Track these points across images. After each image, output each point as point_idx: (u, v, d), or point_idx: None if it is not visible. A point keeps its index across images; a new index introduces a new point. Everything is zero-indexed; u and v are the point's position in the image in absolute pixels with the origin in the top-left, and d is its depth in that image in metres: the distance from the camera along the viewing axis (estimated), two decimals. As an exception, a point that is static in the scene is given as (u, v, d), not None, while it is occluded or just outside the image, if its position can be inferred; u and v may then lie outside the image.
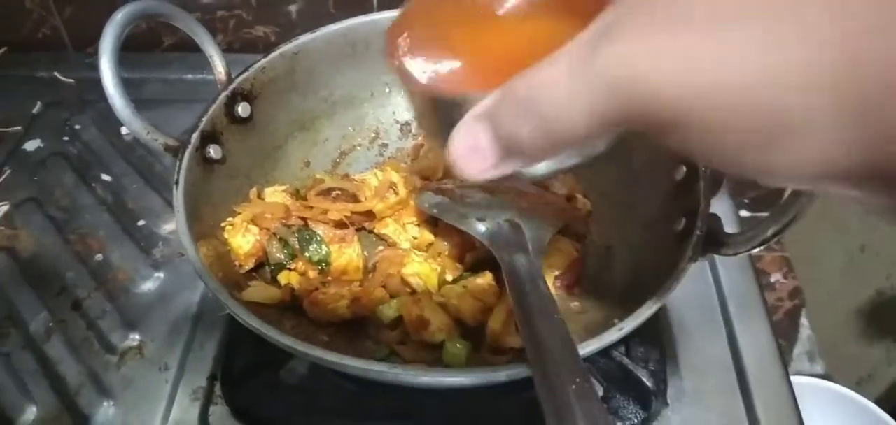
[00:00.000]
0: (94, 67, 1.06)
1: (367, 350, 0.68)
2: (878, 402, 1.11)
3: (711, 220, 0.62)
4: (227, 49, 1.08)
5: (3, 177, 0.91)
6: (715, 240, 0.61)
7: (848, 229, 1.23)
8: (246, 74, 0.75)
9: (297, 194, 0.77)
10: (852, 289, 1.22)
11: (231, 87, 0.74)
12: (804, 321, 1.27)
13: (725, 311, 0.79)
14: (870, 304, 1.20)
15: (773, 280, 1.27)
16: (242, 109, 0.75)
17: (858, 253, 1.23)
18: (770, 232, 0.56)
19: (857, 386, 1.20)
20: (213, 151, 0.72)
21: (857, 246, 1.23)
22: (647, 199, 0.74)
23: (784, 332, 1.25)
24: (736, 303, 0.79)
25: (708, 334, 0.76)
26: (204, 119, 0.71)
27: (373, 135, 0.88)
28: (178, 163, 0.67)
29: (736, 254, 0.60)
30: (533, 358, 0.52)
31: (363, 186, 0.77)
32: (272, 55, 0.78)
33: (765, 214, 1.28)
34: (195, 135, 0.69)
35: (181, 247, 0.80)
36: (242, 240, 0.69)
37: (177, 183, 0.65)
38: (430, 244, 0.75)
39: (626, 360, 0.69)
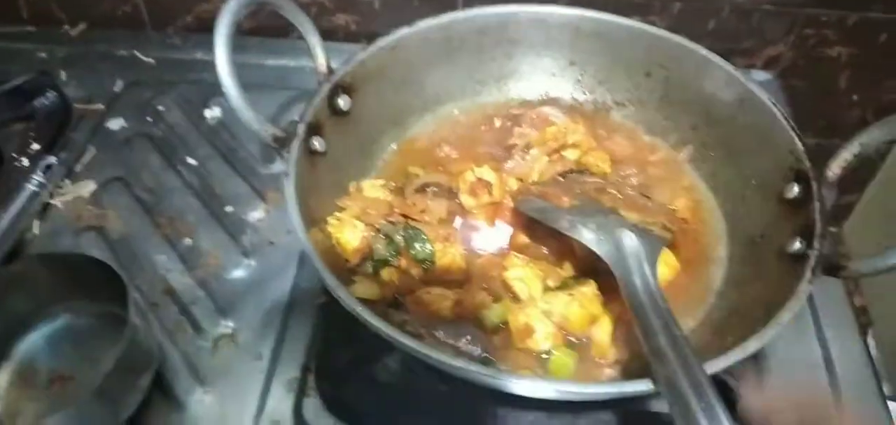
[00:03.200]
0: (175, 47, 1.08)
1: (462, 352, 0.68)
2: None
3: (831, 241, 0.61)
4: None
5: (90, 156, 0.91)
6: (834, 265, 0.60)
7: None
8: (347, 68, 0.75)
9: (397, 189, 0.76)
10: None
11: (333, 80, 0.74)
12: (871, 341, 1.25)
13: (819, 331, 0.77)
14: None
15: None
16: (343, 102, 0.75)
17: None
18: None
19: (924, 408, 1.17)
20: (318, 144, 0.71)
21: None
22: (752, 214, 0.73)
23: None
24: (830, 322, 0.78)
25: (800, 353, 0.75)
26: (309, 111, 0.70)
27: (463, 131, 0.87)
28: (287, 154, 0.67)
29: (858, 278, 0.59)
30: (660, 376, 0.51)
31: (459, 180, 0.76)
32: (372, 48, 0.77)
33: (833, 229, 1.25)
34: (302, 127, 0.69)
35: (271, 235, 0.82)
36: (350, 234, 0.69)
37: (287, 174, 0.65)
38: (527, 246, 0.74)
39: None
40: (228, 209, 0.86)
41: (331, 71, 0.74)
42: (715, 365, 0.53)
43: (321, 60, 0.75)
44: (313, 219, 0.69)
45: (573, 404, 0.69)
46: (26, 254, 0.79)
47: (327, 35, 1.06)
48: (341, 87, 0.75)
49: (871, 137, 0.62)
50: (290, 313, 0.76)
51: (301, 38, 1.05)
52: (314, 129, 0.71)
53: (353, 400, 0.69)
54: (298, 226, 0.62)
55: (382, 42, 0.78)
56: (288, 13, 0.73)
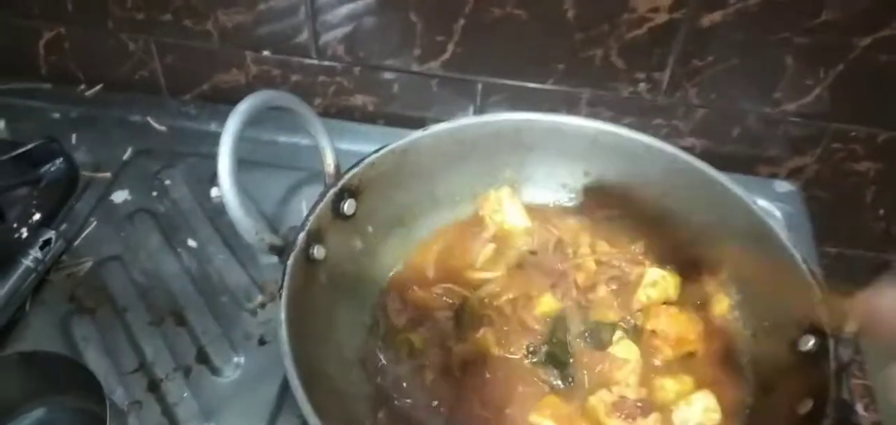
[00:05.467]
0: (189, 116, 1.06)
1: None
2: None
3: (843, 409, 0.58)
4: (322, 113, 1.06)
5: (90, 228, 0.90)
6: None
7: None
8: (355, 170, 0.73)
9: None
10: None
11: (340, 184, 0.71)
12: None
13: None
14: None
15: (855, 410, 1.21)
16: (348, 207, 0.73)
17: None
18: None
19: None
20: (317, 252, 0.69)
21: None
22: (762, 361, 0.70)
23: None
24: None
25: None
26: (310, 218, 0.68)
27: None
28: (282, 268, 0.64)
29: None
30: None
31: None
32: (382, 151, 0.75)
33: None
34: (301, 237, 0.67)
35: (265, 331, 0.80)
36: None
37: (280, 292, 0.63)
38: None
39: None
40: (224, 300, 0.83)
41: (339, 175, 0.72)
42: None
43: (330, 163, 0.73)
44: (306, 331, 0.66)
45: None
46: (3, 355, 0.76)
47: (343, 114, 1.06)
48: (347, 191, 0.73)
49: None
50: (277, 419, 0.73)
51: (319, 113, 1.05)
52: (315, 237, 0.69)
53: None
54: (285, 351, 0.59)
55: (394, 145, 0.76)
56: (301, 116, 0.71)
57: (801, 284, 0.66)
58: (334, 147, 0.73)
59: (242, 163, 0.96)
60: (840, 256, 1.16)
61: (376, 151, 0.74)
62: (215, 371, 0.77)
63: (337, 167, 0.73)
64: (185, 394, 0.75)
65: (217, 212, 0.93)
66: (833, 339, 0.61)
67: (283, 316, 0.61)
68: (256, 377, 0.77)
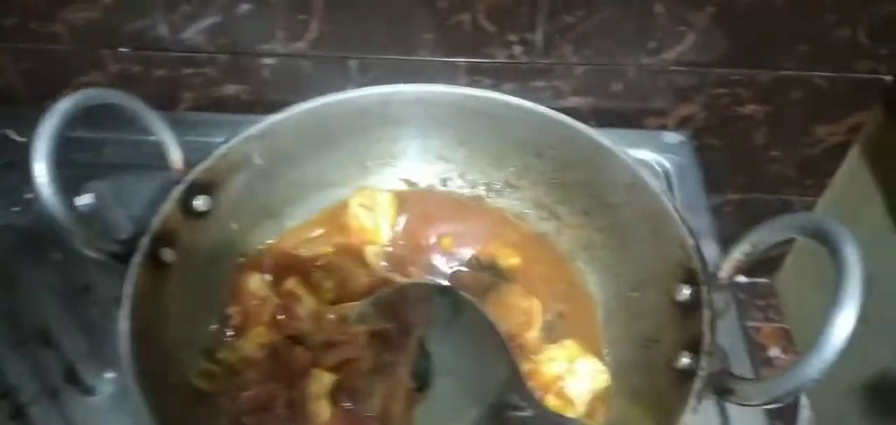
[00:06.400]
0: (52, 126, 1.00)
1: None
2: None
3: (717, 361, 0.56)
4: (193, 108, 1.01)
5: (-55, 252, 0.84)
6: (722, 387, 0.54)
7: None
8: (205, 164, 0.68)
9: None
10: (855, 367, 1.16)
11: (187, 180, 0.67)
12: (804, 400, 1.21)
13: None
14: (873, 382, 1.14)
15: (771, 355, 1.21)
16: (202, 203, 0.69)
17: (860, 325, 1.17)
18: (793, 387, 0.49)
19: (860, 470, 1.14)
20: (166, 255, 0.65)
21: (859, 319, 1.17)
22: (643, 315, 0.68)
23: (783, 414, 1.19)
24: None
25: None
26: (154, 220, 0.64)
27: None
28: (124, 276, 0.60)
29: (748, 406, 0.53)
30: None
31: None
32: (235, 140, 0.71)
33: (764, 280, 1.22)
34: (145, 241, 0.62)
35: None
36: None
37: (122, 301, 0.58)
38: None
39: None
40: (93, 313, 0.78)
41: (188, 170, 0.68)
42: None
43: (176, 158, 0.68)
44: (163, 345, 0.62)
45: None
46: None
47: (216, 106, 1.01)
48: (198, 187, 0.68)
49: (760, 237, 0.57)
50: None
51: (188, 109, 1.00)
52: (163, 239, 0.64)
53: None
54: (127, 363, 0.55)
55: (248, 132, 0.71)
56: (134, 113, 0.66)
57: (674, 233, 0.64)
58: (178, 140, 0.68)
59: (112, 168, 0.94)
60: (741, 203, 1.16)
61: (226, 141, 0.70)
62: (87, 390, 0.73)
63: (185, 162, 0.68)
64: (55, 414, 0.70)
65: (85, 222, 0.88)
66: (706, 287, 0.59)
67: (123, 327, 0.57)
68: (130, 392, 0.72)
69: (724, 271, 0.59)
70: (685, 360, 0.58)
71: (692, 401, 0.53)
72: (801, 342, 1.25)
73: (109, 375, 0.74)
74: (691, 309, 0.61)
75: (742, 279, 1.30)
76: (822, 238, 0.50)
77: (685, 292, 0.62)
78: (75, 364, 0.74)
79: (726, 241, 0.61)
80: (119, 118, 0.98)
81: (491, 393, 0.61)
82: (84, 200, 0.90)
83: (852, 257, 0.48)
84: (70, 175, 0.90)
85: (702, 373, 0.55)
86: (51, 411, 0.70)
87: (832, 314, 0.47)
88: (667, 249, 0.65)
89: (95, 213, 0.89)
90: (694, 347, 0.57)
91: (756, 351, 0.90)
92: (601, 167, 0.72)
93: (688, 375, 0.56)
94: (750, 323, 1.22)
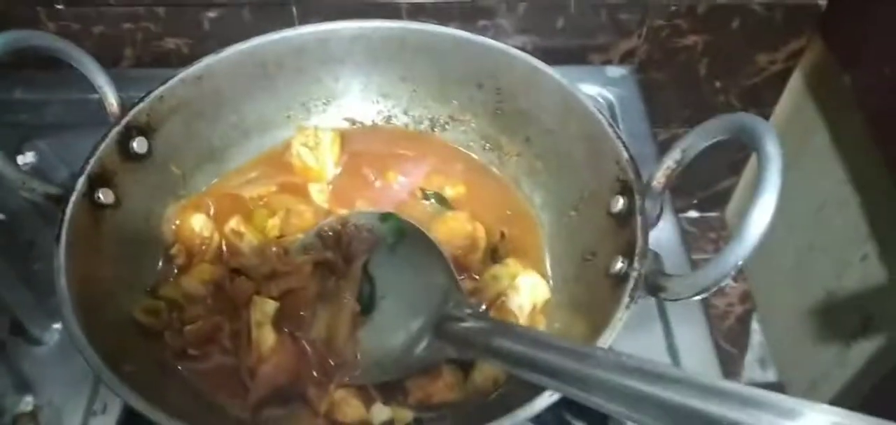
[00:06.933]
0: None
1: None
2: (832, 404, 1.08)
3: (650, 261, 0.57)
4: (136, 64, 1.00)
5: None
6: (655, 284, 0.55)
7: (796, 227, 1.20)
8: (141, 106, 0.68)
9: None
10: (802, 290, 1.19)
11: (123, 122, 0.67)
12: (755, 326, 1.24)
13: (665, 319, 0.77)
14: (820, 305, 1.17)
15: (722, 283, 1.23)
16: (139, 145, 0.68)
17: (807, 251, 1.20)
18: (717, 275, 0.51)
19: (811, 391, 1.16)
20: (104, 196, 0.64)
21: (805, 244, 1.19)
22: (583, 231, 0.69)
23: (735, 339, 1.22)
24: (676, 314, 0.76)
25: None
26: (91, 161, 0.63)
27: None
28: (60, 215, 0.59)
29: (679, 300, 0.54)
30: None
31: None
32: (171, 82, 0.70)
33: (714, 213, 1.24)
34: (81, 181, 0.62)
35: None
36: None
37: (58, 238, 0.58)
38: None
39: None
40: (37, 267, 0.78)
41: (123, 113, 0.67)
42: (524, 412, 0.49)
43: (112, 102, 0.67)
44: (101, 285, 0.62)
45: None
46: None
47: (159, 61, 1.00)
48: (135, 129, 0.68)
49: (690, 143, 0.58)
50: (101, 384, 0.69)
51: (132, 65, 0.99)
52: (100, 180, 0.64)
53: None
54: (64, 301, 0.55)
55: (184, 73, 0.71)
56: (66, 55, 0.66)
57: (610, 149, 0.65)
58: (114, 84, 0.67)
59: (55, 127, 0.93)
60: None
61: (163, 83, 0.69)
62: (34, 341, 0.73)
63: (121, 105, 0.67)
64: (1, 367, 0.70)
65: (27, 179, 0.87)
66: (639, 196, 0.61)
67: (58, 263, 0.57)
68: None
69: (657, 180, 0.60)
70: (619, 265, 0.59)
71: (625, 299, 0.55)
72: (748, 268, 1.28)
73: (57, 326, 0.74)
74: (627, 218, 0.62)
75: (693, 213, 1.32)
76: (746, 135, 0.51)
77: (621, 203, 0.63)
78: (21, 317, 0.74)
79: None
80: (59, 79, 0.98)
81: (433, 306, 0.62)
82: (26, 159, 0.89)
83: (771, 148, 0.49)
84: (12, 135, 0.91)
85: (634, 273, 0.56)
86: (-5, 363, 0.70)
87: (752, 201, 0.48)
88: (603, 165, 0.66)
89: (38, 171, 0.88)
90: (629, 253, 0.58)
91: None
92: (538, 92, 0.73)
93: (623, 278, 0.57)
94: (702, 256, 1.24)
